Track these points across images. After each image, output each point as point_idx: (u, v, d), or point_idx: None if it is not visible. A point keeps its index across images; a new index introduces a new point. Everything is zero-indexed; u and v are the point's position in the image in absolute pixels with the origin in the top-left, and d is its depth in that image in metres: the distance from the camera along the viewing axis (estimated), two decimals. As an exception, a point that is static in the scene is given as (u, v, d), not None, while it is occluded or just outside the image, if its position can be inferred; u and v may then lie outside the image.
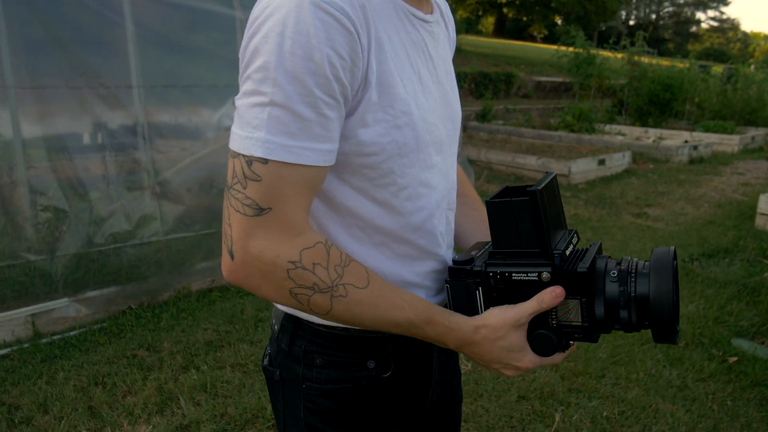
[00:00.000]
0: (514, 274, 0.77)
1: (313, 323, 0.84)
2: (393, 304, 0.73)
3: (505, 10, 34.59)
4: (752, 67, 15.01)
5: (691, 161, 8.87)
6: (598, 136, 9.64)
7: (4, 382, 2.58)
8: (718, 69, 16.21)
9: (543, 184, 0.77)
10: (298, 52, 0.64)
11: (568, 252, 0.78)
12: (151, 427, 2.30)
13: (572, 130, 9.91)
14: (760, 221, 5.14)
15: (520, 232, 0.77)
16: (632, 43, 11.90)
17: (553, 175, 0.81)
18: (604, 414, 2.40)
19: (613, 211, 5.71)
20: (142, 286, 3.40)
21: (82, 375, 2.64)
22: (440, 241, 0.87)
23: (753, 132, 11.24)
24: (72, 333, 3.05)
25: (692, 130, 10.97)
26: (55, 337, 2.99)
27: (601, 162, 7.34)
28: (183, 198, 3.54)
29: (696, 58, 14.01)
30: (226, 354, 2.86)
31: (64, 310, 3.12)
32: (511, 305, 0.78)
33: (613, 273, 0.76)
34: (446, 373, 0.99)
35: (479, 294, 0.80)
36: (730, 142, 10.23)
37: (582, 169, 7.04)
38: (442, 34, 0.89)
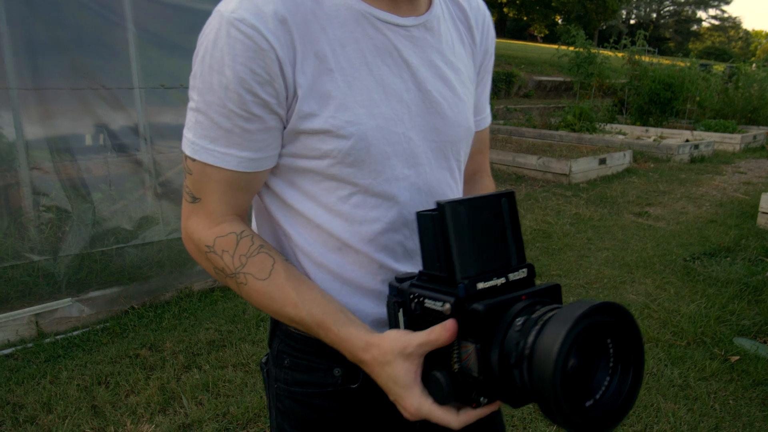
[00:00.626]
0: (426, 300, 0.67)
1: (286, 325, 0.84)
2: (288, 300, 0.74)
3: (505, 9, 34.61)
4: (754, 65, 14.98)
5: (693, 160, 8.86)
6: (599, 135, 9.64)
7: (9, 381, 2.59)
8: (719, 68, 16.21)
9: (468, 198, 0.67)
10: (214, 66, 0.69)
11: (486, 285, 0.65)
12: (154, 426, 2.31)
13: (573, 130, 9.92)
14: (761, 220, 5.14)
15: (438, 252, 0.67)
16: (633, 42, 11.89)
17: (504, 192, 0.69)
18: (606, 413, 2.40)
19: (614, 211, 5.71)
20: (144, 287, 3.41)
21: (85, 374, 2.65)
22: (404, 258, 0.82)
23: (755, 131, 11.23)
24: (75, 333, 3.06)
25: (693, 129, 10.96)
26: (58, 337, 3.01)
27: (602, 161, 7.35)
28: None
29: (697, 57, 13.97)
30: (228, 354, 2.87)
31: (68, 310, 3.13)
32: (409, 332, 0.68)
33: (519, 321, 0.61)
34: None
35: (401, 315, 0.71)
36: (731, 141, 10.23)
37: (583, 168, 7.04)
38: (443, 38, 0.82)
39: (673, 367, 2.77)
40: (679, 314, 3.32)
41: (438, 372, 0.64)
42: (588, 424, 0.57)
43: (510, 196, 0.69)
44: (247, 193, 0.78)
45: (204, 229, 0.76)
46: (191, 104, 0.73)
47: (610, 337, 0.58)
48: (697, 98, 12.33)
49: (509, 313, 0.62)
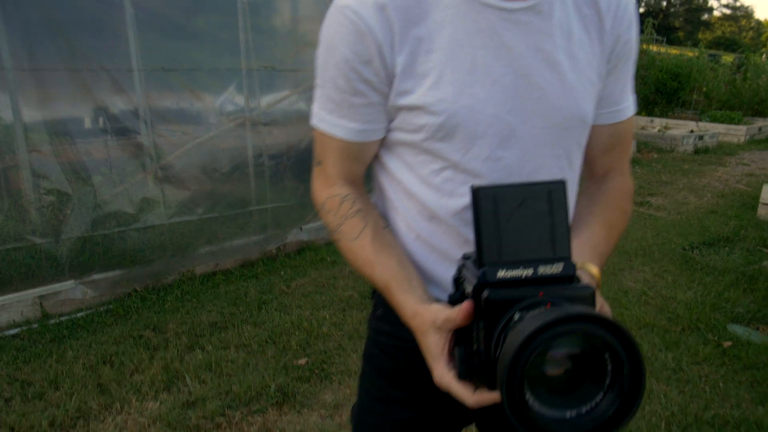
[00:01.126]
0: (465, 280, 0.68)
1: None
2: (367, 261, 0.82)
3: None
4: (764, 56, 14.84)
5: (696, 151, 8.85)
6: (604, 125, 9.60)
7: (16, 360, 2.65)
8: (728, 58, 16.06)
9: (508, 184, 0.66)
10: (329, 48, 0.81)
11: (508, 273, 0.62)
12: (158, 403, 2.37)
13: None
14: (762, 211, 5.15)
15: (474, 235, 0.66)
16: (641, 31, 11.82)
17: (553, 181, 0.65)
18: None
19: (616, 200, 5.72)
20: (147, 270, 3.46)
21: (90, 354, 2.71)
22: None
23: (760, 123, 11.17)
24: (79, 314, 3.12)
25: (698, 120, 10.92)
26: (62, 318, 3.07)
27: (605, 151, 7.33)
28: (186, 182, 3.59)
29: (706, 47, 13.85)
30: (231, 335, 2.92)
31: (71, 292, 3.19)
32: (447, 307, 0.69)
33: (516, 316, 0.59)
34: None
35: (453, 290, 0.71)
36: (736, 133, 10.19)
37: (586, 158, 7.04)
38: (556, 22, 0.80)
39: (668, 351, 2.81)
40: (675, 301, 3.35)
41: (457, 348, 0.66)
42: None
43: (558, 186, 0.65)
44: (358, 162, 0.88)
45: (321, 189, 0.89)
46: (317, 81, 0.85)
47: (608, 352, 0.55)
48: (704, 89, 12.25)
49: (515, 307, 0.60)
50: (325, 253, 4.12)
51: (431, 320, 0.69)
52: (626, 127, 0.93)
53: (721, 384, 2.55)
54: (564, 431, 0.55)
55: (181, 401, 2.37)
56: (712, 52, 16.19)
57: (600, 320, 0.53)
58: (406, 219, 0.88)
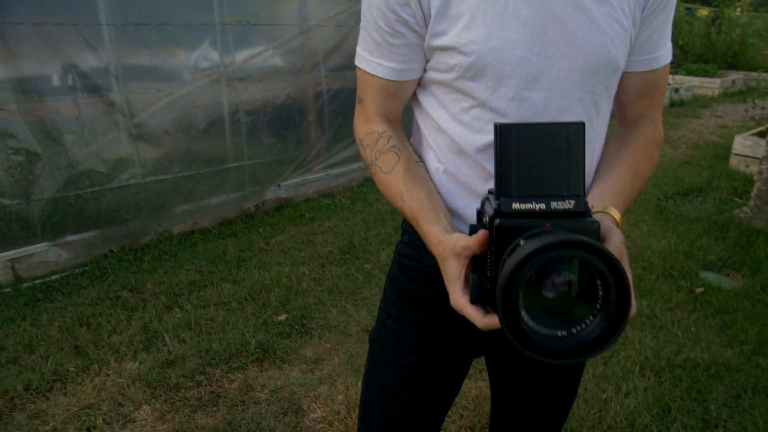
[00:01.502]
0: (485, 212, 0.72)
1: None
2: (398, 192, 0.87)
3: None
4: (738, 10, 14.85)
5: (672, 104, 8.90)
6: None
7: (-11, 323, 2.61)
8: (704, 12, 16.02)
9: (528, 123, 0.70)
10: None
11: (521, 206, 0.66)
12: (137, 363, 2.36)
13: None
14: (734, 161, 5.23)
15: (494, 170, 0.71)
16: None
17: (572, 123, 0.69)
18: (575, 342, 2.51)
19: (593, 153, 5.76)
20: (123, 230, 3.40)
21: (66, 316, 2.68)
22: None
23: (734, 76, 11.25)
24: (54, 277, 3.06)
25: (675, 73, 10.94)
26: (36, 281, 3.01)
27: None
28: (160, 140, 3.50)
29: (683, 1, 13.79)
30: (210, 293, 2.91)
31: (45, 254, 3.12)
32: (466, 235, 0.73)
33: (522, 242, 0.63)
34: None
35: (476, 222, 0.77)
36: (710, 86, 10.25)
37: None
38: None
39: (642, 299, 2.87)
40: (650, 250, 3.42)
41: (472, 273, 0.70)
42: (553, 352, 0.60)
43: (577, 128, 0.68)
44: (396, 100, 0.93)
45: (361, 125, 0.95)
46: (361, 23, 0.90)
47: (600, 278, 0.58)
48: (680, 42, 12.25)
49: (523, 235, 0.64)
50: (303, 209, 4.09)
51: (451, 247, 0.74)
52: (660, 76, 0.94)
53: (692, 329, 2.63)
54: (553, 347, 0.60)
55: (160, 361, 2.36)
56: (688, 5, 16.13)
57: (592, 248, 0.56)
58: (436, 153, 0.92)
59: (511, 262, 0.58)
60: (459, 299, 0.71)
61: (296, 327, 2.63)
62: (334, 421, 2.05)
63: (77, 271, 3.14)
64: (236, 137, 3.86)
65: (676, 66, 11.74)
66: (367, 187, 4.63)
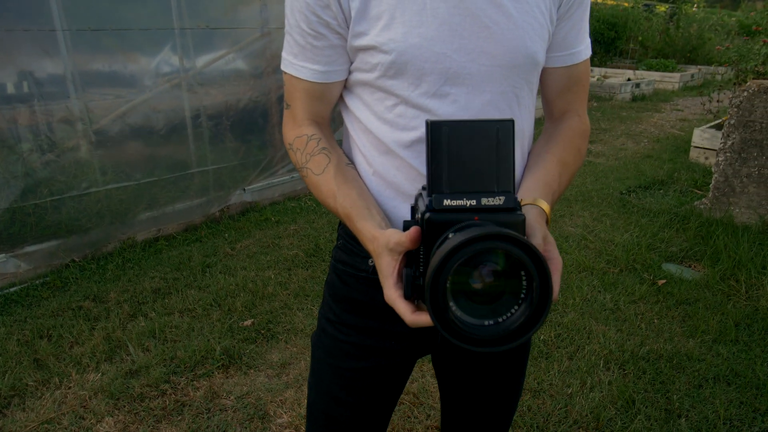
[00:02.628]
0: (418, 209, 0.73)
1: None
2: (330, 193, 0.88)
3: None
4: (694, 6, 15.24)
5: (634, 99, 9.08)
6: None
7: (-58, 339, 2.52)
8: (662, 8, 16.39)
9: (458, 120, 0.70)
10: None
11: (452, 203, 0.68)
12: (100, 374, 2.30)
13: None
14: (693, 154, 5.36)
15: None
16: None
17: (501, 120, 0.70)
18: (541, 338, 2.54)
19: (558, 149, 5.84)
20: (84, 239, 3.33)
21: (25, 329, 2.60)
22: None
23: (693, 70, 11.55)
24: (12, 289, 2.98)
25: (636, 68, 11.17)
26: (-6, 294, 2.92)
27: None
28: (122, 147, 3.43)
29: (642, -2, 14.09)
30: (174, 300, 2.86)
31: (3, 266, 3.03)
32: (400, 231, 0.74)
33: (451, 235, 0.64)
34: None
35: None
36: (671, 80, 10.50)
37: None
38: None
39: (606, 292, 2.92)
40: (613, 244, 3.48)
41: (407, 269, 0.70)
42: (480, 340, 0.62)
43: (506, 125, 0.69)
44: (324, 103, 0.95)
45: (290, 129, 0.96)
46: (285, 28, 0.91)
47: (523, 270, 0.60)
48: (640, 38, 12.52)
49: (451, 228, 0.65)
50: (269, 213, 4.06)
51: (385, 243, 0.74)
52: (582, 70, 0.98)
53: (655, 320, 2.68)
54: (480, 335, 0.62)
55: (123, 371, 2.31)
56: (647, 2, 16.49)
57: (515, 240, 0.58)
58: (365, 156, 0.93)
59: (438, 254, 0.59)
60: (391, 294, 0.72)
61: (262, 332, 2.60)
62: (300, 426, 2.04)
63: (37, 282, 3.06)
64: (199, 142, 3.80)
65: (637, 61, 12.00)
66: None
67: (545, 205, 0.82)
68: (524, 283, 0.61)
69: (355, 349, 1.00)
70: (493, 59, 0.85)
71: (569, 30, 0.93)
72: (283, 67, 0.94)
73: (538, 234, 0.72)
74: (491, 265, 0.62)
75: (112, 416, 2.08)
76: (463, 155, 0.69)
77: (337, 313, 1.02)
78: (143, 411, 2.10)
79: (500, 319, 0.62)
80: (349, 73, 0.92)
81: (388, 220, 0.91)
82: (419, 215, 0.70)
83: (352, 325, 1.00)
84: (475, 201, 0.67)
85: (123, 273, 3.17)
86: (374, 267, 0.93)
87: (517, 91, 0.90)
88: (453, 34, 0.83)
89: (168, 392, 2.20)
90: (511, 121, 0.69)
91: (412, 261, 0.72)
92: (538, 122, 1.05)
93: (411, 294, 0.70)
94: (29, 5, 2.98)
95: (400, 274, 0.73)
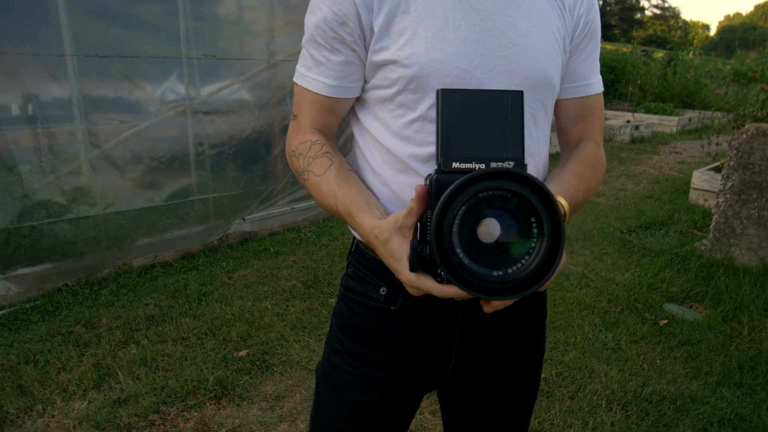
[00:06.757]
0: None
1: (358, 238, 0.98)
2: (330, 192, 0.87)
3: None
4: (691, 54, 15.57)
5: (633, 140, 9.17)
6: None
7: (-73, 361, 2.45)
8: (659, 54, 16.75)
9: (468, 89, 0.70)
10: (313, 10, 0.89)
11: (461, 165, 0.67)
12: (87, 402, 2.23)
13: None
14: (693, 195, 5.38)
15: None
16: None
17: (510, 90, 0.70)
18: (543, 376, 2.48)
19: (557, 188, 5.85)
20: (79, 263, 3.28)
21: (11, 354, 2.53)
22: None
23: (690, 114, 11.70)
24: (1, 312, 2.92)
25: (634, 111, 11.32)
26: (-17, 317, 2.86)
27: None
28: (123, 172, 3.42)
29: (640, 44, 14.43)
30: (168, 328, 2.80)
31: (-7, 288, 2.98)
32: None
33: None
34: (480, 351, 0.97)
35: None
36: (669, 123, 10.63)
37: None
38: None
39: (607, 331, 2.87)
40: (614, 283, 3.44)
41: (412, 240, 0.67)
42: (490, 289, 0.60)
43: (517, 95, 0.70)
44: (331, 115, 0.95)
45: (293, 138, 0.95)
46: (302, 41, 0.92)
47: (533, 216, 0.59)
48: (638, 81, 12.73)
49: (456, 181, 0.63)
50: (268, 243, 4.03)
51: (392, 224, 0.72)
52: (595, 102, 1.00)
53: (658, 361, 2.63)
54: (490, 283, 0.60)
55: (111, 399, 2.24)
56: (645, 48, 16.85)
57: (521, 177, 0.57)
58: (379, 174, 0.92)
59: (442, 198, 0.58)
60: (409, 275, 0.69)
61: (257, 363, 2.54)
62: (294, 461, 1.97)
63: (27, 305, 3.00)
64: (201, 170, 3.80)
65: (635, 104, 12.17)
66: (333, 221, 4.60)
67: (564, 202, 0.82)
68: (535, 230, 0.59)
69: (362, 381, 0.96)
70: (512, 78, 0.86)
71: (582, 62, 0.96)
72: (295, 79, 0.95)
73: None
74: (499, 213, 0.60)
75: (98, 446, 2.00)
76: (474, 123, 0.69)
77: (345, 343, 0.98)
78: (130, 442, 2.03)
79: (510, 270, 0.60)
80: (366, 91, 0.92)
81: None
82: (427, 181, 0.68)
83: (360, 356, 0.96)
84: (484, 165, 0.67)
85: (117, 299, 3.12)
86: (386, 295, 0.93)
87: (534, 113, 0.90)
88: (474, 51, 0.84)
89: (157, 423, 2.13)
90: (521, 92, 0.70)
91: (422, 233, 0.69)
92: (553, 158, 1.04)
93: (417, 266, 0.67)
94: (41, 30, 3.02)
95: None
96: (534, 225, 0.59)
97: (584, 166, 0.95)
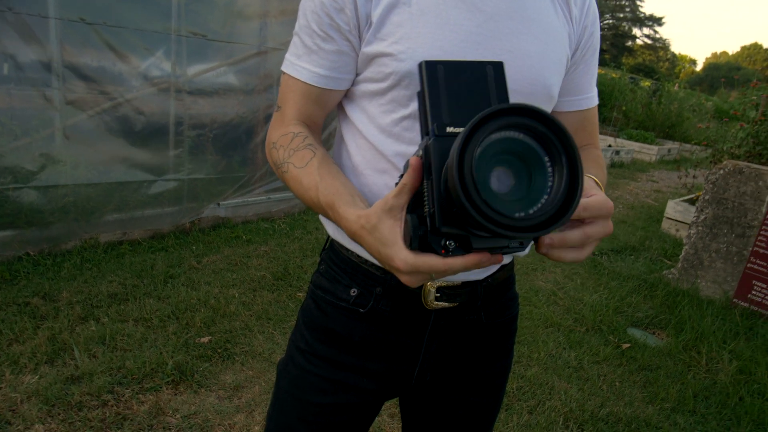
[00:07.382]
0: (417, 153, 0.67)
1: (332, 236, 0.96)
2: (312, 184, 0.81)
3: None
4: (676, 86, 15.88)
5: (613, 165, 9.30)
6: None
7: None
8: (646, 83, 17.04)
9: (449, 60, 0.68)
10: None
11: (455, 129, 0.64)
12: (38, 377, 2.16)
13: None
14: (665, 224, 5.47)
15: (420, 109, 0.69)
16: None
17: (490, 61, 0.68)
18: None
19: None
20: (44, 233, 3.19)
21: (-36, 319, 2.45)
22: None
23: (670, 145, 11.92)
24: (-42, 275, 2.82)
25: (617, 136, 11.49)
26: (-62, 278, 2.76)
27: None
28: (98, 144, 3.33)
29: (628, 71, 14.66)
30: (131, 308, 2.74)
31: (-50, 251, 2.88)
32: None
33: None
34: (446, 361, 0.96)
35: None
36: (649, 152, 10.81)
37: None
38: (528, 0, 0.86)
39: (571, 350, 2.90)
40: (582, 303, 3.48)
41: (409, 214, 0.62)
42: (517, 228, 0.55)
43: (497, 66, 0.68)
44: (318, 107, 0.90)
45: (276, 129, 0.90)
46: (294, 29, 0.89)
47: (547, 156, 0.57)
48: (624, 108, 12.93)
49: (458, 145, 0.58)
50: (241, 231, 3.97)
51: (380, 206, 0.65)
52: (593, 114, 1.00)
53: (617, 383, 2.65)
54: (513, 218, 0.56)
55: (64, 376, 2.18)
56: (633, 75, 17.13)
57: (534, 112, 0.55)
58: (359, 174, 0.89)
59: (462, 132, 0.53)
60: (408, 256, 0.61)
61: (219, 351, 2.50)
62: (246, 454, 1.93)
63: (-15, 272, 2.91)
64: (179, 149, 3.73)
65: (618, 130, 12.35)
66: (308, 215, 4.56)
67: (593, 177, 0.79)
68: (550, 169, 0.57)
69: (325, 382, 0.94)
70: (512, 83, 0.82)
71: (583, 75, 0.95)
72: (283, 68, 0.91)
73: (600, 192, 0.67)
74: (508, 160, 0.57)
75: (44, 423, 1.94)
76: (461, 92, 0.67)
77: (310, 342, 0.96)
78: (79, 421, 1.97)
79: (531, 211, 0.56)
80: (357, 84, 0.89)
81: None
82: (419, 151, 0.64)
83: (324, 357, 0.94)
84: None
85: (80, 273, 3.04)
86: (356, 297, 0.91)
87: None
88: (474, 52, 0.81)
89: (110, 403, 2.07)
90: (501, 63, 0.67)
91: (414, 209, 0.63)
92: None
93: (417, 246, 0.61)
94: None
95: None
96: (547, 164, 0.57)
97: (592, 163, 0.94)
